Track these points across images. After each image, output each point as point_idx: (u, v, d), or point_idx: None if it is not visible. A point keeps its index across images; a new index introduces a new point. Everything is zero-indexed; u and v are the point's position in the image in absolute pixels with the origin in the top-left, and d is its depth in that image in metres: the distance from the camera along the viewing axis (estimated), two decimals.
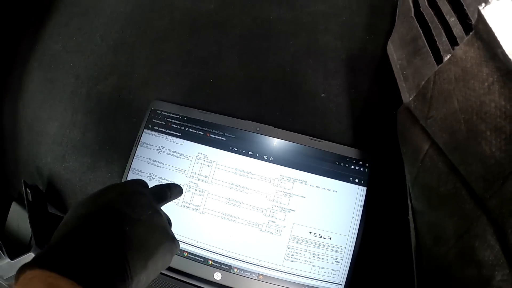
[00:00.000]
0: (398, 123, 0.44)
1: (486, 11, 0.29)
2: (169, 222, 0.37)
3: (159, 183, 0.42)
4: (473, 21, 0.38)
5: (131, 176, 0.58)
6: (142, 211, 0.32)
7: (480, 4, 0.29)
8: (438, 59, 0.41)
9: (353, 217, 0.53)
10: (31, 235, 0.57)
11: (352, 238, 0.53)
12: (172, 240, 0.34)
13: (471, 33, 0.33)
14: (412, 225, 0.42)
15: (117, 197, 0.33)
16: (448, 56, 0.36)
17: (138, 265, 0.29)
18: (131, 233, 0.30)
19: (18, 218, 0.62)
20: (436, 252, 0.36)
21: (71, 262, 0.25)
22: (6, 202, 0.64)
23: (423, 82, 0.40)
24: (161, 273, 0.53)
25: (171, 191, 0.41)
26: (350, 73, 0.59)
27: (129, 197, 0.33)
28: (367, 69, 0.59)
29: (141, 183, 0.39)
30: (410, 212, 0.42)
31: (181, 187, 0.43)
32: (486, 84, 0.31)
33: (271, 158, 0.55)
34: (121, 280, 0.27)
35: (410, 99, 0.41)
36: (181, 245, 0.54)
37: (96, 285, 0.25)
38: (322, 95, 0.58)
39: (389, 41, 0.52)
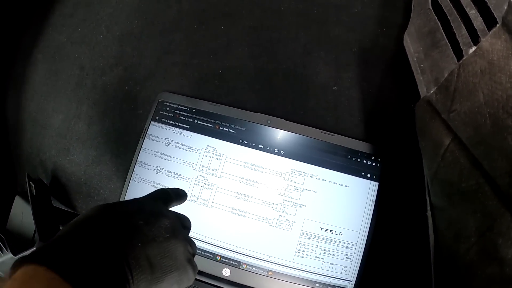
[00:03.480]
0: (417, 116, 0.43)
1: None
2: (190, 252, 0.34)
3: (163, 188, 0.40)
4: (496, 14, 0.37)
5: (137, 169, 0.56)
6: (160, 232, 0.31)
7: None
8: (458, 52, 0.40)
9: (364, 212, 0.52)
10: (35, 230, 0.57)
11: (363, 234, 0.52)
12: (184, 271, 0.32)
13: (498, 25, 0.32)
14: (430, 221, 0.41)
15: (137, 211, 0.31)
16: (472, 49, 0.35)
17: (141, 286, 0.27)
18: (142, 251, 0.28)
19: (22, 212, 0.61)
20: (456, 249, 0.36)
21: (75, 267, 0.24)
22: (9, 196, 0.63)
23: (442, 76, 0.39)
24: None
25: (174, 194, 0.39)
26: (362, 66, 0.58)
27: (149, 215, 0.32)
28: (379, 62, 0.58)
29: (166, 200, 0.38)
30: (428, 208, 0.41)
31: (185, 191, 0.42)
32: None
33: (282, 152, 0.54)
34: None
35: (431, 92, 0.40)
36: None
37: None
38: (334, 88, 0.57)
39: (405, 33, 0.50)
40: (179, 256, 0.31)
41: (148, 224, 0.30)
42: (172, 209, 0.38)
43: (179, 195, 0.40)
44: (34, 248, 0.50)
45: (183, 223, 0.36)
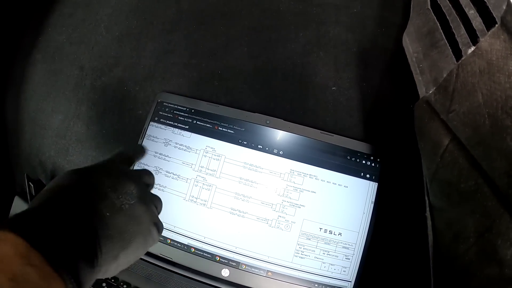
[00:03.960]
0: (416, 117, 0.43)
1: None
2: (155, 212, 0.35)
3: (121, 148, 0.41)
4: (495, 14, 0.37)
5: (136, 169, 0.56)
6: (126, 199, 0.32)
7: None
8: (457, 52, 0.40)
9: (364, 213, 0.52)
10: None
11: (362, 235, 0.52)
12: (149, 234, 0.33)
13: (497, 25, 0.32)
14: (429, 222, 0.41)
15: (105, 177, 0.32)
16: (470, 49, 0.35)
17: (110, 255, 0.28)
18: (109, 220, 0.29)
19: None
20: (455, 250, 0.36)
21: (45, 235, 0.24)
22: (9, 196, 0.63)
23: (441, 76, 0.39)
24: (168, 270, 0.52)
25: (133, 152, 0.41)
26: (361, 66, 0.58)
27: (117, 181, 0.32)
28: (378, 62, 0.58)
29: (128, 159, 0.39)
30: (427, 208, 0.41)
31: (143, 146, 0.43)
32: None
33: (281, 152, 0.54)
34: (91, 266, 0.26)
35: (430, 92, 0.40)
36: (188, 241, 0.53)
37: (64, 266, 0.24)
38: (333, 88, 0.57)
39: (404, 33, 0.50)
40: (144, 220, 0.32)
41: (115, 191, 0.31)
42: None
43: (138, 152, 0.42)
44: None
45: (147, 181, 0.37)
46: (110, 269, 0.29)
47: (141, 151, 0.42)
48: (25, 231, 0.24)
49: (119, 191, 0.31)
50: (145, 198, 0.34)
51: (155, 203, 0.36)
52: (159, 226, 0.35)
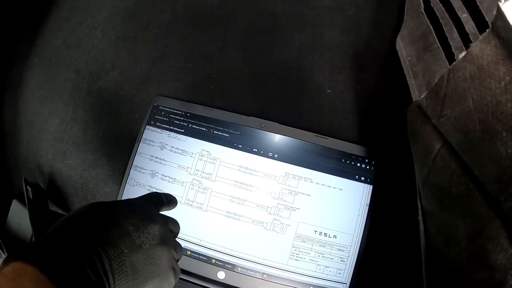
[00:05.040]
0: (409, 121, 0.43)
1: (506, 7, 0.28)
2: (175, 257, 0.35)
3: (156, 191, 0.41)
4: (487, 18, 0.37)
5: (133, 173, 0.57)
6: (148, 239, 0.31)
7: (499, 0, 0.28)
8: (449, 56, 0.40)
9: (358, 215, 0.52)
10: (32, 234, 0.57)
11: (357, 237, 0.52)
12: (166, 278, 0.32)
13: (487, 30, 0.32)
14: (421, 226, 0.41)
15: (128, 214, 0.32)
16: (462, 54, 0.35)
17: None
18: (127, 257, 0.29)
19: (19, 216, 0.61)
20: (447, 254, 0.36)
21: (61, 268, 0.24)
22: (6, 200, 0.63)
23: (434, 79, 0.39)
24: None
25: (166, 198, 0.40)
26: (356, 69, 0.58)
27: (140, 219, 0.32)
28: (373, 65, 0.58)
29: (158, 203, 0.38)
30: (419, 212, 0.41)
31: (176, 199, 0.42)
32: (503, 83, 0.30)
33: (276, 155, 0.54)
34: None
35: (422, 96, 0.40)
36: (185, 244, 0.53)
37: None
38: (328, 91, 0.57)
39: (398, 37, 0.50)
40: (163, 263, 0.32)
41: (137, 229, 0.31)
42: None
43: (170, 201, 0.40)
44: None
45: (172, 228, 0.37)
46: None
47: (173, 201, 0.41)
48: (43, 264, 0.24)
49: (141, 230, 0.31)
50: (167, 241, 0.33)
51: (176, 249, 0.35)
52: (176, 272, 0.34)
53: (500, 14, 0.29)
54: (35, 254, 0.25)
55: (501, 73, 0.30)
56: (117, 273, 0.27)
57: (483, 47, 0.33)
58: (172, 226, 0.37)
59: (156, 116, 0.58)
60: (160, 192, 0.40)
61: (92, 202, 0.32)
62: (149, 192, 0.40)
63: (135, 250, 0.29)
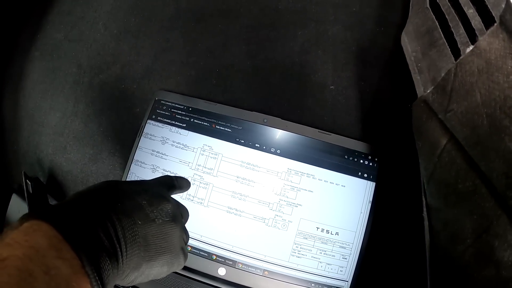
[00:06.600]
0: (414, 116, 0.43)
1: None
2: (184, 240, 0.36)
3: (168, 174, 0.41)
4: (494, 13, 0.36)
5: (133, 168, 0.56)
6: (161, 215, 0.32)
7: None
8: (455, 51, 0.40)
9: (361, 212, 0.52)
10: None
11: (360, 234, 0.51)
12: (177, 256, 0.33)
13: (496, 24, 0.32)
14: (426, 222, 0.40)
15: (142, 191, 0.32)
16: (470, 48, 0.35)
17: (134, 261, 0.28)
18: (140, 228, 0.29)
19: (19, 210, 0.61)
20: (452, 251, 0.35)
21: (77, 229, 0.25)
22: (6, 194, 0.63)
23: (440, 75, 0.39)
24: None
25: (178, 182, 0.40)
26: (360, 65, 0.57)
27: (153, 197, 0.33)
28: (377, 61, 0.57)
29: (171, 186, 0.39)
30: (424, 209, 0.41)
31: (189, 181, 0.43)
32: (511, 77, 0.30)
33: (278, 151, 0.54)
34: (114, 268, 0.26)
35: (428, 91, 0.39)
36: None
37: (92, 263, 0.24)
38: (331, 87, 0.57)
39: (403, 32, 0.50)
40: (174, 241, 0.32)
41: (151, 205, 0.32)
42: None
43: (183, 184, 0.42)
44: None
45: (182, 213, 0.37)
46: (130, 276, 0.29)
47: (186, 184, 0.42)
48: (58, 223, 0.24)
49: (154, 205, 0.32)
50: (179, 221, 0.34)
51: (186, 234, 0.36)
52: (185, 254, 0.35)
53: (509, 8, 0.29)
54: (51, 214, 0.25)
55: (509, 67, 0.30)
56: (130, 242, 0.28)
57: (491, 41, 0.32)
58: (182, 211, 0.38)
59: (157, 111, 0.58)
60: (172, 175, 0.41)
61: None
62: (163, 176, 0.41)
63: (148, 223, 0.30)
